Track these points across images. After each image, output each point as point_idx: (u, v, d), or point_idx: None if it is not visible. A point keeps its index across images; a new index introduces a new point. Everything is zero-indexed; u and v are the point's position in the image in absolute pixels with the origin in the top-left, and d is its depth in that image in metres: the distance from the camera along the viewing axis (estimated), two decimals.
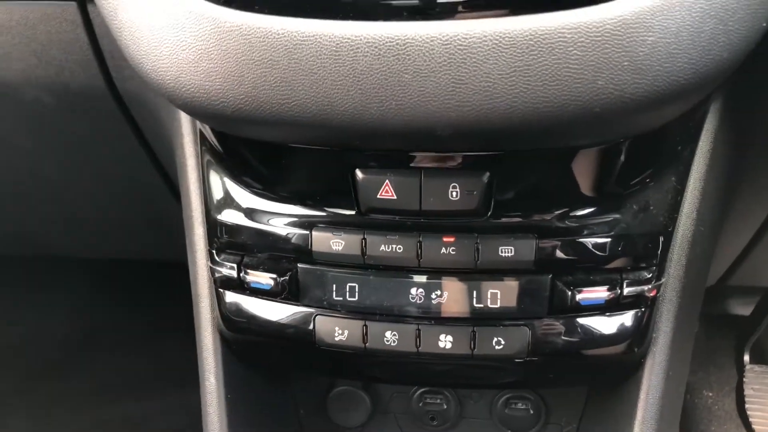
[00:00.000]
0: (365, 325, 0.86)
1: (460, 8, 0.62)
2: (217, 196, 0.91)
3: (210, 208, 0.92)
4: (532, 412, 1.15)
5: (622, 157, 0.82)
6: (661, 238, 0.85)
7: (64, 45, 0.98)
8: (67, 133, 1.20)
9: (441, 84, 0.62)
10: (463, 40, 0.60)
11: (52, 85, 1.04)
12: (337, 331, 0.87)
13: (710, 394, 1.89)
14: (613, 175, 0.83)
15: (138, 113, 1.08)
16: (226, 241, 0.91)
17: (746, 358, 1.86)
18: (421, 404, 1.18)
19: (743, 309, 1.96)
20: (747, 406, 1.75)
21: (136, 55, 0.70)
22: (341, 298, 0.87)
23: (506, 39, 0.60)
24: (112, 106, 1.06)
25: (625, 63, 0.60)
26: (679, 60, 0.60)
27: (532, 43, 0.60)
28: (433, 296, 0.85)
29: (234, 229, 0.90)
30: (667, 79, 0.61)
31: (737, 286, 1.61)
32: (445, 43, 0.61)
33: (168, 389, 1.90)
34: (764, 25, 0.63)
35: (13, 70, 1.02)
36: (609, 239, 0.82)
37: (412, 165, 0.79)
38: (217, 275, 0.91)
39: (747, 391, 1.78)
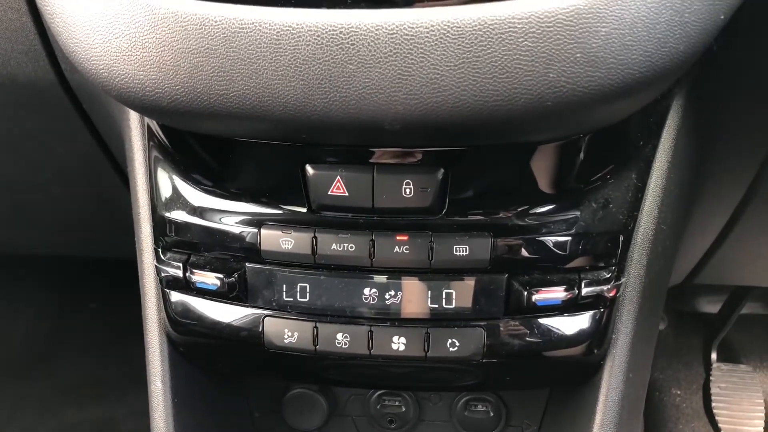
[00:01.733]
0: (316, 326, 0.84)
1: None
2: (163, 193, 0.88)
3: (156, 205, 0.89)
4: (492, 414, 1.14)
5: (581, 154, 0.80)
6: (621, 237, 0.83)
7: (10, 34, 0.94)
8: (19, 127, 1.16)
9: (387, 75, 0.59)
10: (409, 29, 0.58)
11: None
12: (287, 333, 0.85)
13: (678, 392, 1.89)
14: (571, 172, 0.81)
15: (90, 106, 1.05)
16: (172, 239, 0.88)
17: (713, 356, 1.87)
18: (379, 407, 1.16)
19: (711, 307, 1.97)
20: (713, 404, 1.76)
21: (69, 43, 0.67)
22: (291, 299, 0.84)
23: (454, 29, 0.58)
24: (63, 99, 1.02)
25: (578, 55, 0.58)
26: (633, 52, 0.58)
27: (481, 33, 0.57)
28: (387, 297, 0.82)
29: (180, 227, 0.86)
30: (621, 72, 0.59)
31: (705, 285, 1.61)
32: (391, 32, 0.58)
33: (134, 392, 1.87)
34: (722, 17, 0.61)
35: None
36: (567, 238, 0.81)
37: (364, 161, 0.77)
38: (163, 275, 0.88)
39: (713, 390, 1.78)
